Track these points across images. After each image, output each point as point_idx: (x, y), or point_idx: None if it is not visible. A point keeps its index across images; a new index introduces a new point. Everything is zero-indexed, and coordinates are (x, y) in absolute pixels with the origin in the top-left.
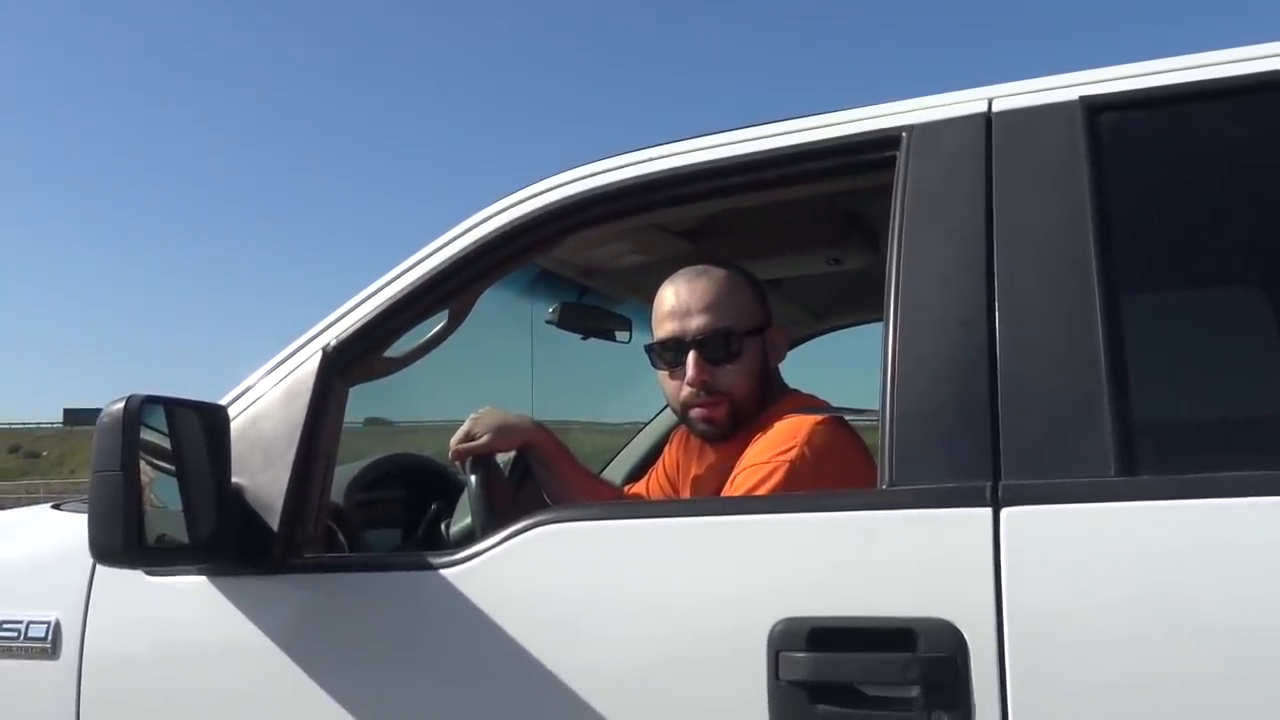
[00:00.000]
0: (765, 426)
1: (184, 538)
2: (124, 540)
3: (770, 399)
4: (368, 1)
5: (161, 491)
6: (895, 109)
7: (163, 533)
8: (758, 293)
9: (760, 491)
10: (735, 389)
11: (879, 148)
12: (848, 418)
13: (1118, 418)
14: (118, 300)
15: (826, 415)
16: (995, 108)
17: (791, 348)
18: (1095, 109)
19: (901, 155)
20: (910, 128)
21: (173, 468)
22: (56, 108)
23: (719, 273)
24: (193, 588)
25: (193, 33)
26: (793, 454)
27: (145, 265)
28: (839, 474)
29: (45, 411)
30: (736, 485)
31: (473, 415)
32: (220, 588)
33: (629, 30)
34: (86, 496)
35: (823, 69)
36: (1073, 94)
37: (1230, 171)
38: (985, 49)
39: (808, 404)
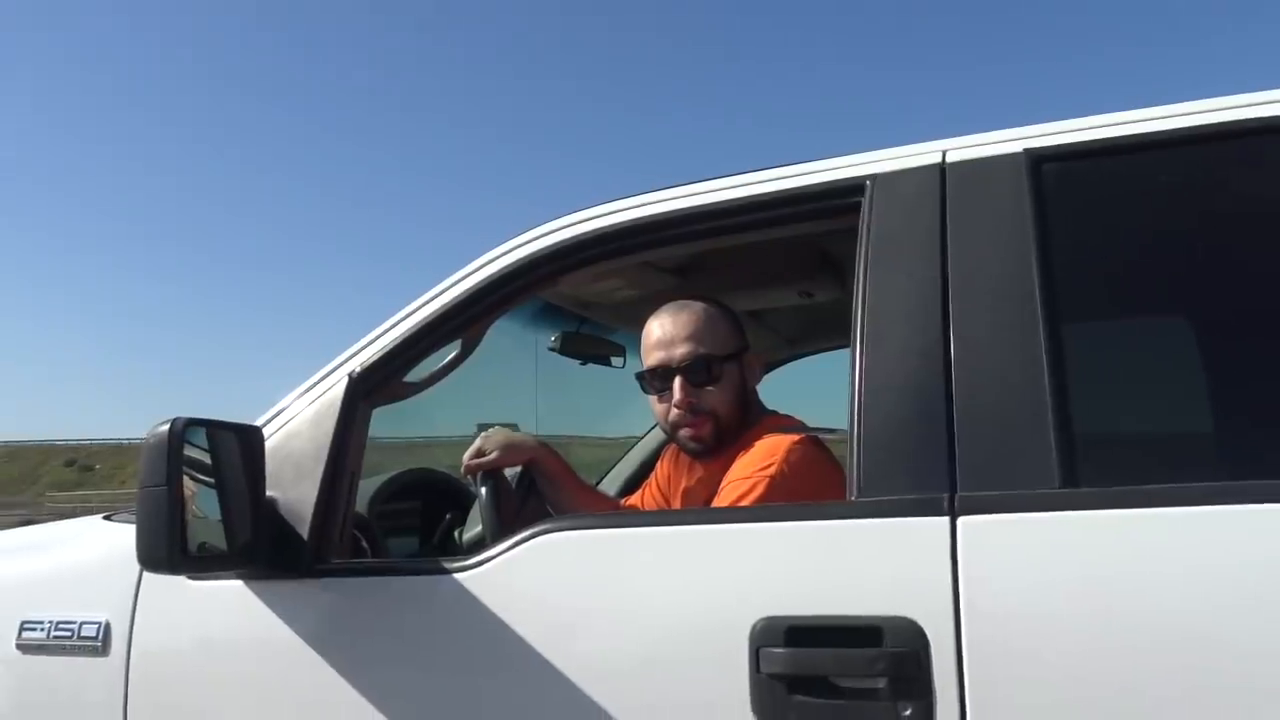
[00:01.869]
0: (748, 444)
1: (223, 546)
2: (168, 549)
3: (751, 419)
4: (417, 41)
5: (202, 504)
6: (860, 160)
7: (203, 541)
8: (734, 323)
9: (743, 503)
10: (718, 409)
11: (846, 194)
12: (822, 436)
13: (1061, 435)
14: (172, 323)
15: (802, 434)
16: (949, 159)
17: (767, 371)
18: (1038, 160)
19: (866, 201)
20: (874, 176)
21: (213, 482)
22: (129, 143)
23: (699, 306)
24: (230, 591)
25: (237, 63)
26: (773, 470)
27: (204, 295)
28: (814, 487)
29: (98, 429)
30: (722, 497)
31: (483, 434)
32: (255, 591)
33: (634, 77)
34: (135, 508)
35: (803, 112)
36: (1018, 146)
37: (1157, 215)
38: (946, 97)
39: (786, 424)
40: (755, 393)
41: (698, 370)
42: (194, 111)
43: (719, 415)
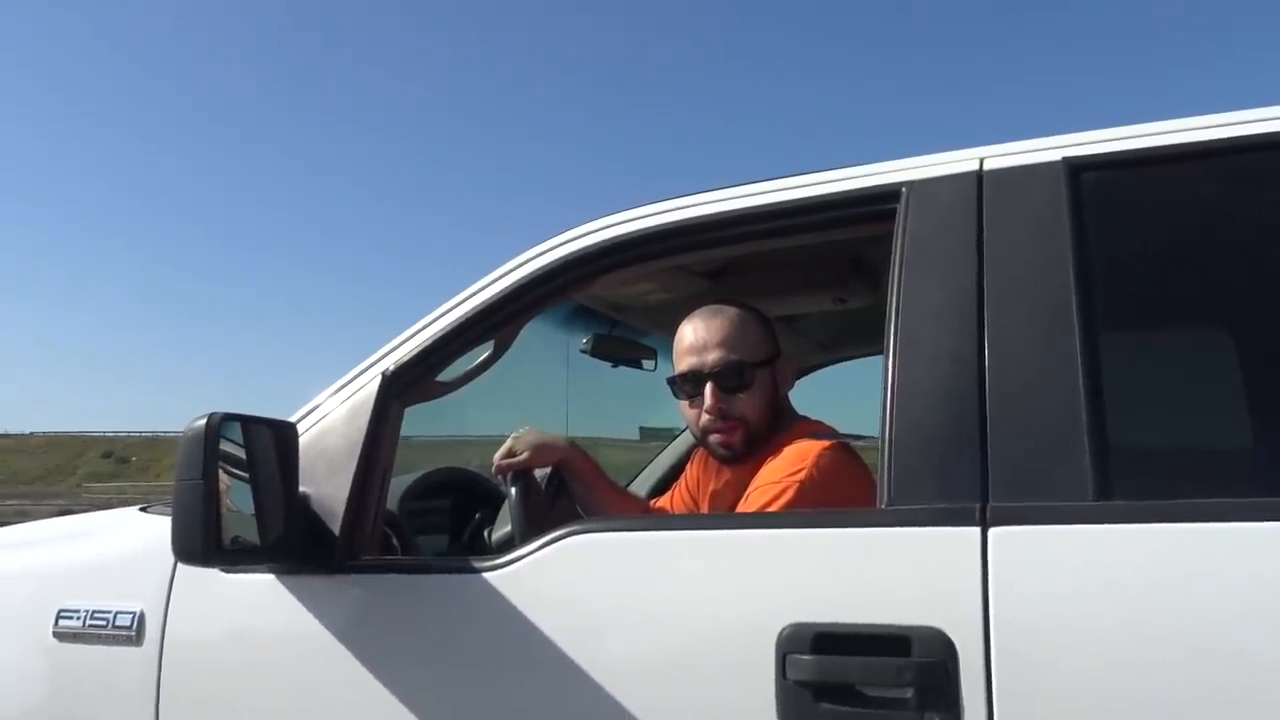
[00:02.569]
0: (777, 450)
1: (256, 540)
2: (202, 542)
3: (782, 425)
4: (462, 46)
5: (236, 498)
6: (896, 166)
7: (237, 535)
8: (767, 329)
9: (772, 508)
10: (749, 415)
11: (881, 201)
12: (853, 443)
13: (1095, 447)
14: (211, 319)
15: (833, 440)
16: (986, 166)
17: (799, 378)
18: (1077, 169)
19: (901, 208)
20: (910, 184)
21: (247, 477)
22: (170, 138)
23: (732, 311)
24: (263, 584)
25: (282, 64)
26: (802, 475)
27: (238, 292)
28: (843, 494)
29: (135, 421)
30: (751, 502)
31: (514, 434)
32: (287, 585)
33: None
34: (170, 500)
35: (837, 121)
36: (1057, 155)
37: (1195, 225)
38: (979, 110)
39: (816, 430)
40: (787, 399)
41: (729, 376)
42: (235, 109)
43: (749, 421)
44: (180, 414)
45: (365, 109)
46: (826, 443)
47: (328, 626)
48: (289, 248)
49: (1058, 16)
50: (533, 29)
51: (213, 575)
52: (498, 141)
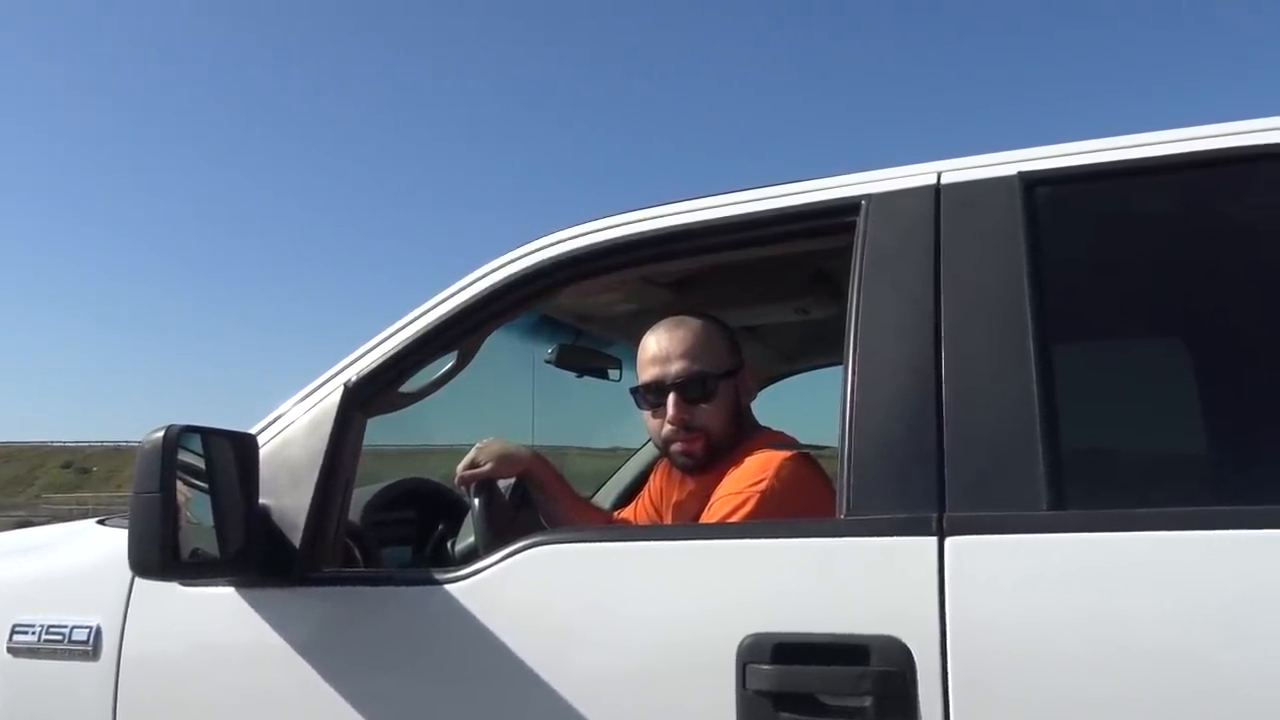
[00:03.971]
0: (739, 460)
1: (215, 552)
2: (160, 556)
3: (744, 435)
4: (399, 56)
5: (196, 509)
6: (856, 179)
7: (196, 547)
8: (730, 340)
9: (734, 519)
10: (711, 426)
11: (842, 213)
12: (814, 453)
13: (1049, 456)
14: (172, 328)
15: (794, 451)
16: (944, 180)
17: (764, 387)
18: (1031, 183)
19: (861, 220)
20: (869, 196)
21: (206, 488)
22: (131, 149)
23: (695, 322)
24: (222, 598)
25: (237, 76)
26: (764, 485)
27: (189, 304)
28: (804, 504)
29: (95, 431)
30: (713, 512)
31: (478, 444)
32: (247, 598)
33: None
34: (127, 513)
35: (786, 142)
36: (1012, 169)
37: (1148, 237)
38: (934, 127)
39: (778, 440)
40: (749, 409)
41: (692, 387)
42: (191, 116)
43: (712, 432)
44: (143, 423)
45: (348, 120)
46: (788, 453)
47: (288, 640)
48: (256, 259)
49: (1008, 39)
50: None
51: (171, 588)
52: (472, 147)
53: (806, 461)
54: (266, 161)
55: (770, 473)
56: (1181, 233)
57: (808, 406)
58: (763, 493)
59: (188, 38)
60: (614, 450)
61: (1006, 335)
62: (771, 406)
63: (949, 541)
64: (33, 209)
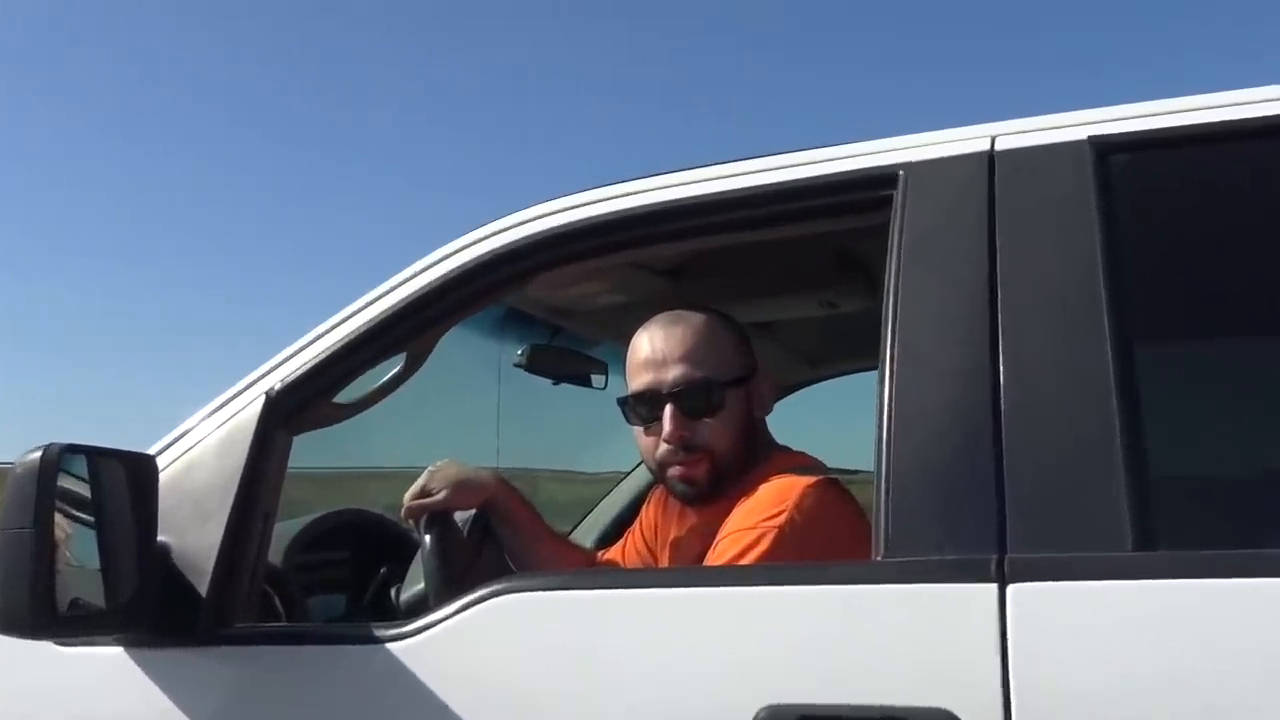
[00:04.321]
0: (751, 488)
1: (100, 603)
2: (31, 608)
3: (757, 456)
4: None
5: (78, 549)
6: (892, 145)
7: (77, 596)
8: (741, 339)
9: (745, 560)
10: (717, 445)
11: (874, 186)
12: (842, 478)
13: (1135, 484)
14: (55, 328)
15: (819, 477)
16: (999, 146)
17: (780, 398)
18: (1105, 149)
19: (898, 195)
20: (908, 165)
21: (93, 522)
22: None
23: (698, 318)
24: (109, 660)
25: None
26: (781, 519)
27: (66, 300)
28: (832, 542)
29: None
30: (719, 553)
31: (430, 468)
32: (140, 661)
33: (617, 55)
34: None
35: (814, 106)
36: (1081, 134)
37: (1250, 215)
38: (986, 87)
39: (799, 463)
40: (764, 424)
41: (694, 397)
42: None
43: (717, 453)
44: (19, 443)
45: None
46: (811, 479)
47: (190, 713)
48: (162, 251)
49: None
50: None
51: (44, 648)
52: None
53: (834, 489)
54: (176, 134)
55: (790, 503)
56: None
57: (835, 421)
58: (780, 528)
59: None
60: (597, 476)
61: (1078, 334)
62: (790, 421)
63: (1011, 589)
64: None
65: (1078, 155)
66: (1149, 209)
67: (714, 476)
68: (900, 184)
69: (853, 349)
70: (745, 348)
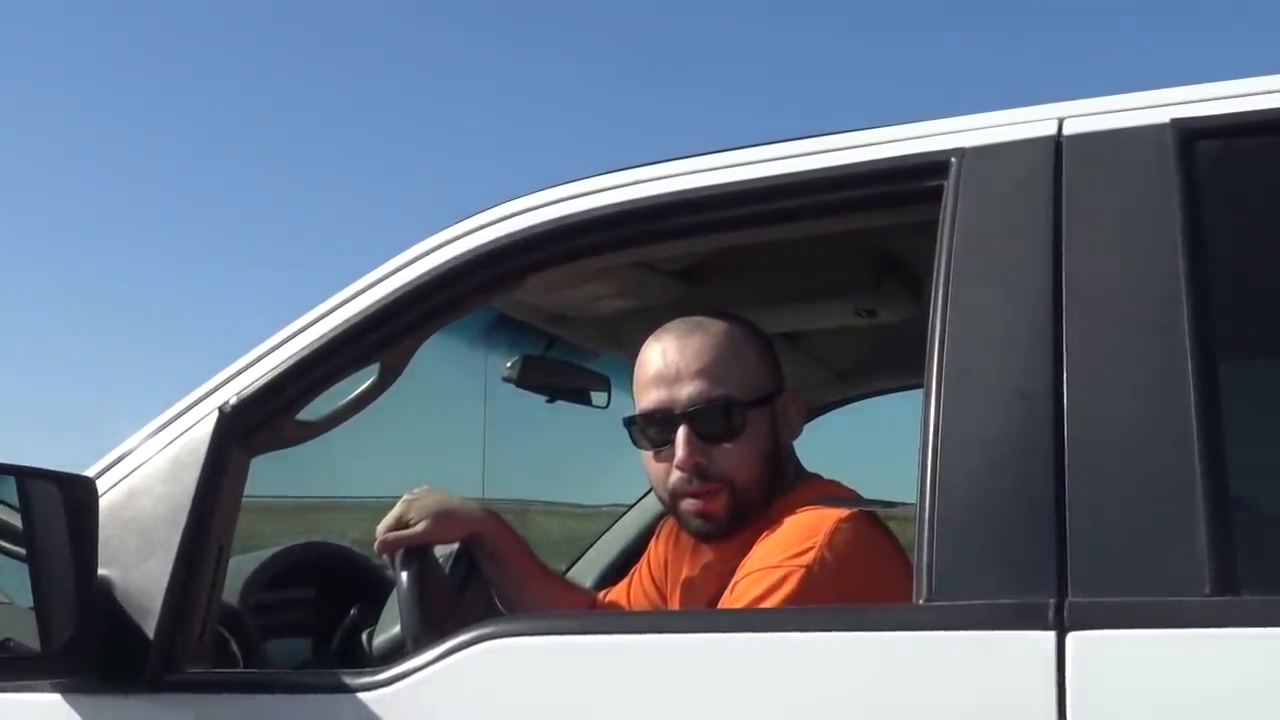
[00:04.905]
0: (776, 521)
1: (35, 644)
2: None
3: (782, 487)
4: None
5: (9, 584)
6: (943, 128)
7: (7, 638)
8: (767, 352)
9: (767, 603)
10: (737, 474)
11: (921, 176)
12: (881, 512)
13: (1215, 519)
14: None
15: (854, 509)
16: (1067, 130)
17: (809, 419)
18: (1191, 134)
19: (950, 185)
20: (961, 152)
21: (23, 553)
22: None
23: (718, 327)
24: (44, 706)
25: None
26: (810, 557)
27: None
28: (868, 584)
29: None
30: (738, 594)
31: (407, 496)
32: (78, 709)
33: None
34: None
35: (857, 83)
36: (1163, 115)
37: None
38: (1052, 62)
39: (830, 493)
40: (791, 450)
41: (712, 419)
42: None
43: (737, 482)
44: None
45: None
46: (844, 511)
47: None
48: (107, 241)
49: None
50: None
51: None
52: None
53: (871, 523)
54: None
55: (820, 539)
56: None
57: (874, 446)
58: (809, 567)
59: None
60: (597, 509)
61: (1156, 349)
62: (821, 446)
63: (1072, 638)
64: None
65: (1159, 141)
66: (1242, 205)
67: (733, 509)
68: (952, 173)
69: (893, 364)
70: (771, 361)
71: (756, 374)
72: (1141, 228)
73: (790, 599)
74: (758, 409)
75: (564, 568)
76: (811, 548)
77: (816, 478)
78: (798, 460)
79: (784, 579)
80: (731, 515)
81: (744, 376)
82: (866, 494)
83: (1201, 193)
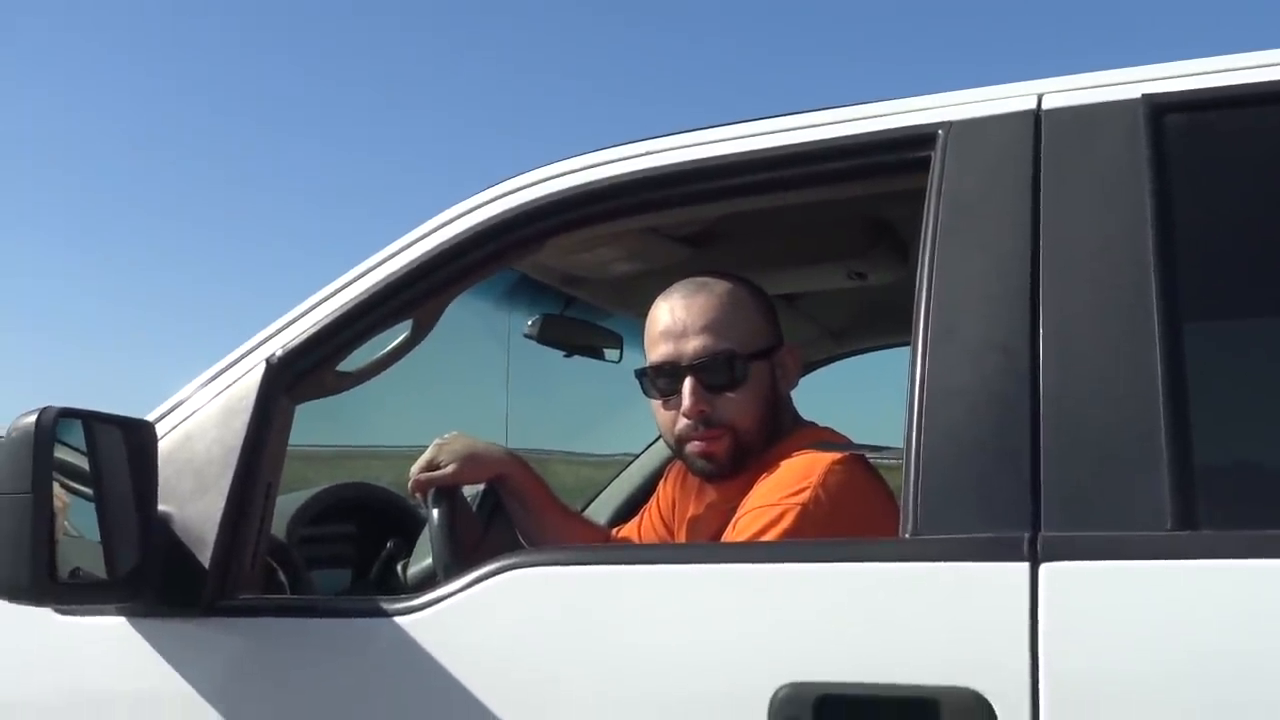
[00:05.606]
0: (774, 464)
1: (101, 572)
2: (32, 574)
3: (780, 433)
4: None
5: (77, 519)
6: (930, 103)
7: (77, 566)
8: (766, 310)
9: (767, 536)
10: (738, 421)
11: (910, 147)
12: (870, 456)
13: (1177, 462)
14: (55, 286)
15: (845, 453)
16: (1046, 105)
17: (805, 373)
18: (1161, 109)
19: (936, 156)
20: (947, 125)
21: (90, 492)
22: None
23: (721, 286)
24: (109, 630)
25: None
26: (805, 496)
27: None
28: (858, 521)
29: None
30: (739, 529)
31: (437, 441)
32: (141, 630)
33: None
34: None
35: (847, 58)
36: (1135, 91)
37: None
38: (1033, 40)
39: (824, 439)
40: (789, 400)
41: (716, 370)
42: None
43: (739, 429)
44: (14, 409)
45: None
46: (837, 455)
47: (192, 683)
48: (160, 204)
49: None
50: None
51: (43, 617)
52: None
53: (861, 466)
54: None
55: (814, 480)
56: None
57: (864, 397)
58: (804, 505)
59: None
60: (609, 458)
61: (1125, 308)
62: (816, 397)
63: (1044, 569)
64: None
65: (1131, 115)
66: (1208, 175)
67: (735, 453)
68: (938, 145)
69: (883, 323)
70: (771, 318)
71: (757, 329)
72: (1113, 195)
73: (787, 533)
74: (758, 361)
75: (581, 506)
76: (807, 487)
77: (812, 425)
78: (795, 409)
79: (781, 515)
80: (733, 458)
81: (745, 332)
82: (857, 440)
83: (1169, 162)
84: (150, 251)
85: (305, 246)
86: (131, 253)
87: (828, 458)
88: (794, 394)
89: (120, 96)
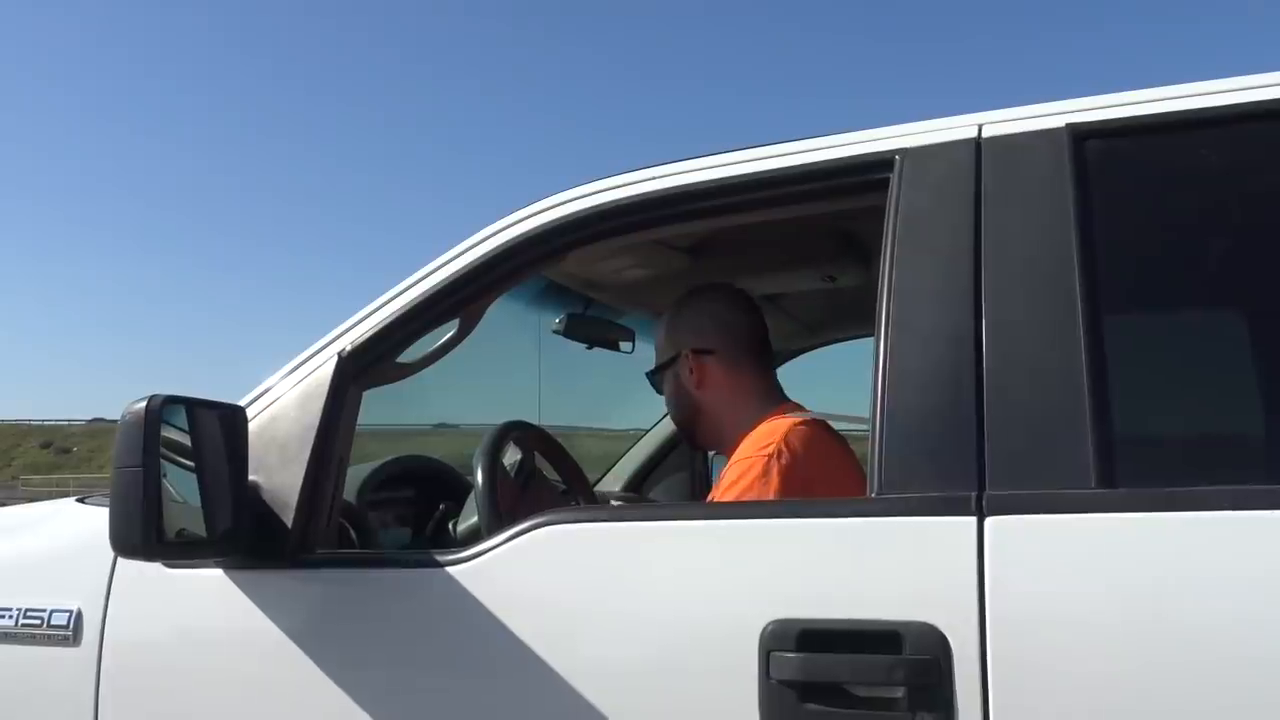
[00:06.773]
0: (751, 431)
1: (202, 532)
2: (143, 534)
3: (762, 411)
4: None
5: (181, 487)
6: (889, 133)
7: (182, 527)
8: (672, 328)
9: (742, 483)
10: (675, 417)
11: (873, 170)
12: (844, 426)
13: (1098, 431)
14: (155, 300)
15: (805, 417)
16: (985, 133)
17: (787, 360)
18: (1081, 136)
19: (894, 178)
20: (903, 151)
21: (192, 465)
22: (110, 117)
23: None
24: (209, 580)
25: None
26: (772, 448)
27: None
28: (819, 469)
29: (75, 409)
30: (723, 486)
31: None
32: (235, 580)
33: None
34: (109, 491)
35: (822, 85)
36: (1060, 121)
37: (1209, 198)
38: (976, 74)
39: (790, 410)
40: (749, 385)
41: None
42: (182, 80)
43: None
44: (125, 401)
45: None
46: (798, 419)
47: (280, 624)
48: (240, 221)
49: None
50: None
51: (155, 570)
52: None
53: (818, 427)
54: (259, 106)
55: (778, 437)
56: (1248, 194)
57: (836, 381)
58: (770, 455)
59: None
60: (625, 432)
61: (1053, 303)
62: (797, 381)
63: (989, 521)
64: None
65: (1056, 141)
66: (1121, 190)
67: (692, 438)
68: (895, 168)
69: (852, 319)
70: (687, 330)
71: (663, 347)
72: (1042, 208)
73: (759, 478)
74: (664, 372)
75: (598, 476)
76: (772, 442)
77: (783, 403)
78: (769, 394)
79: (751, 465)
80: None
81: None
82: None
83: (1090, 180)
84: (255, 278)
85: (354, 259)
86: (243, 282)
87: (790, 420)
88: (782, 379)
89: (197, 129)
